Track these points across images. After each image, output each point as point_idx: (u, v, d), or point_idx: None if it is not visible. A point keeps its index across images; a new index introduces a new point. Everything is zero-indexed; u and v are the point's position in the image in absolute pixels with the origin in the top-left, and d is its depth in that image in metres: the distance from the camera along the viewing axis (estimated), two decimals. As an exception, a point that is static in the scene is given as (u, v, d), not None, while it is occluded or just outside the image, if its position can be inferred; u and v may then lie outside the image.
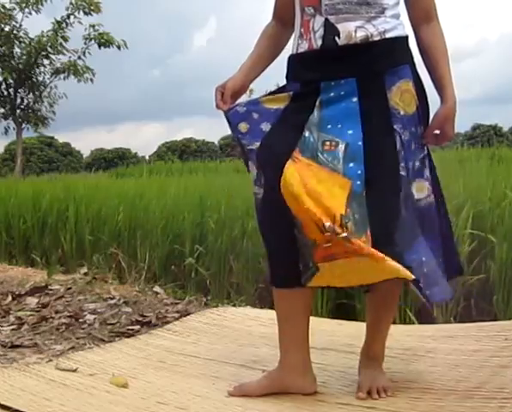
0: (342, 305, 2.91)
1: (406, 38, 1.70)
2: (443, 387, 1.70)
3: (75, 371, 2.07)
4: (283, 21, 1.83)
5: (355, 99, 1.62)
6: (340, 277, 1.60)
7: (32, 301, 3.19)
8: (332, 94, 1.63)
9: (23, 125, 17.50)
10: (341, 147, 1.57)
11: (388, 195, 1.57)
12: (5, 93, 17.16)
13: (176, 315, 2.79)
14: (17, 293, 3.37)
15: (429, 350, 2.04)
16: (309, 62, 1.69)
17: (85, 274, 3.98)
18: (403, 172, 1.59)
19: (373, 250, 1.48)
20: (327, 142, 1.59)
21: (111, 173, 14.34)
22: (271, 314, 2.53)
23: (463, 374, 1.78)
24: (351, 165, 1.56)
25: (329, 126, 1.61)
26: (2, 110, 17.31)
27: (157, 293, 3.33)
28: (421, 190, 1.65)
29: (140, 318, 2.76)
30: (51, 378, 2.01)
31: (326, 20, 1.63)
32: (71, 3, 16.39)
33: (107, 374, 2.01)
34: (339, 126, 1.60)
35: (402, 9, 1.74)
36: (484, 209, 2.87)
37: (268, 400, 1.73)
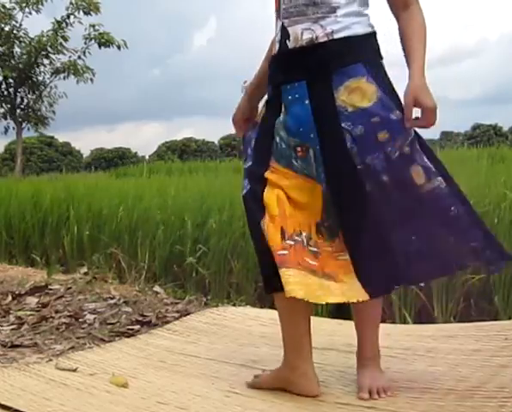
0: (342, 304, 2.90)
1: (363, 36, 1.66)
2: (443, 387, 1.70)
3: (75, 370, 2.07)
4: None
5: (307, 102, 1.64)
6: (286, 286, 1.59)
7: (32, 301, 3.18)
8: (290, 98, 1.67)
9: (23, 125, 17.49)
10: (311, 151, 1.65)
11: (348, 193, 1.63)
12: (5, 92, 17.15)
13: (176, 315, 2.79)
14: (17, 292, 3.36)
15: (429, 350, 2.04)
16: (274, 65, 1.74)
17: (85, 273, 3.98)
18: (361, 167, 1.61)
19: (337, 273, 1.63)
20: (298, 148, 1.66)
21: (111, 173, 14.34)
22: (271, 314, 2.54)
23: (463, 374, 1.78)
24: (320, 169, 1.65)
25: (293, 130, 1.66)
26: (2, 109, 17.31)
27: (157, 292, 3.33)
28: (418, 176, 1.62)
29: (140, 318, 2.76)
30: (52, 377, 2.02)
31: (282, 24, 1.68)
32: (71, 3, 16.37)
33: (107, 374, 2.01)
34: (301, 130, 1.65)
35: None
36: (484, 209, 2.86)
37: (268, 400, 1.73)
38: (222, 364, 2.08)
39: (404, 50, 1.67)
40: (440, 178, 1.62)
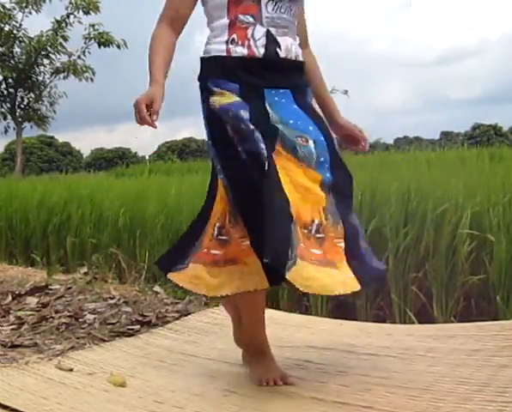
0: (342, 303, 2.91)
1: None
2: (443, 388, 1.69)
3: (71, 370, 2.07)
4: (175, 28, 1.82)
5: (295, 107, 1.77)
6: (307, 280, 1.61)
7: (32, 301, 3.18)
8: (276, 99, 1.75)
9: (23, 125, 17.50)
10: (311, 142, 1.72)
11: (346, 190, 1.79)
12: (5, 92, 17.15)
13: (176, 315, 2.79)
14: (17, 292, 3.36)
15: (429, 350, 2.04)
16: (251, 67, 1.75)
17: (85, 273, 3.97)
18: None
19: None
20: (299, 138, 1.71)
21: (110, 173, 14.32)
22: (270, 313, 2.53)
23: (463, 374, 1.78)
24: (322, 159, 1.73)
25: (291, 121, 1.73)
26: (2, 109, 17.30)
27: (157, 292, 3.32)
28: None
29: (140, 318, 2.76)
30: (50, 377, 2.02)
31: (268, 31, 1.74)
32: (71, 3, 16.36)
33: (106, 373, 2.01)
34: (299, 122, 1.74)
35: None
36: (484, 209, 2.86)
37: (265, 399, 1.73)
38: (222, 364, 2.08)
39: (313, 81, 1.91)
40: None
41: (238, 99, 1.71)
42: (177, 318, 2.73)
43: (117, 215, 4.38)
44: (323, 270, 1.62)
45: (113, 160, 41.22)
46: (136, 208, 4.41)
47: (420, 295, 2.73)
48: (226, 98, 1.72)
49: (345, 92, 9.40)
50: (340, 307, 2.90)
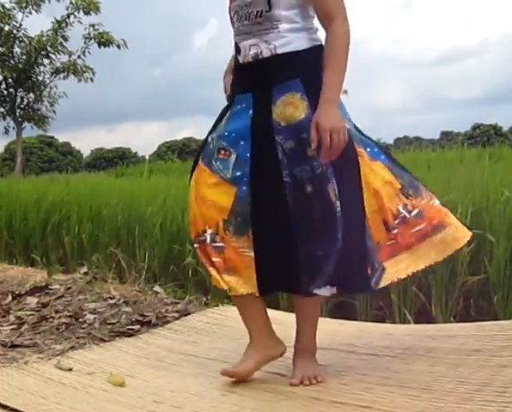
0: (342, 303, 2.91)
1: (306, 50, 1.76)
2: (443, 387, 1.69)
3: (70, 370, 2.07)
4: None
5: (250, 112, 1.78)
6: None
7: (32, 301, 3.18)
8: (238, 107, 1.82)
9: (23, 125, 17.49)
10: (233, 157, 1.78)
11: (272, 202, 1.74)
12: (5, 92, 17.14)
13: (176, 315, 2.79)
14: (17, 292, 3.36)
15: (429, 350, 2.04)
16: (233, 77, 1.90)
17: (85, 273, 3.98)
18: (287, 179, 1.72)
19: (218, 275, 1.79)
20: (222, 151, 1.79)
21: (110, 173, 14.31)
22: (270, 313, 2.53)
23: (463, 374, 1.78)
24: (238, 173, 1.77)
25: (226, 133, 1.81)
26: (2, 109, 17.29)
27: (157, 292, 3.33)
28: (333, 194, 1.70)
29: (140, 318, 2.76)
30: (49, 376, 2.02)
31: (235, 41, 1.84)
32: (71, 3, 16.37)
33: (105, 373, 2.01)
34: (234, 135, 1.79)
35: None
36: (483, 208, 2.86)
37: (264, 399, 1.73)
38: (222, 364, 2.07)
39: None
40: (338, 202, 1.70)
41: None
42: (177, 318, 2.73)
43: (116, 215, 4.38)
44: (224, 276, 1.78)
45: (113, 160, 41.20)
46: (135, 207, 4.41)
47: (420, 295, 2.73)
48: None
49: (345, 92, 9.37)
50: (340, 307, 2.90)
